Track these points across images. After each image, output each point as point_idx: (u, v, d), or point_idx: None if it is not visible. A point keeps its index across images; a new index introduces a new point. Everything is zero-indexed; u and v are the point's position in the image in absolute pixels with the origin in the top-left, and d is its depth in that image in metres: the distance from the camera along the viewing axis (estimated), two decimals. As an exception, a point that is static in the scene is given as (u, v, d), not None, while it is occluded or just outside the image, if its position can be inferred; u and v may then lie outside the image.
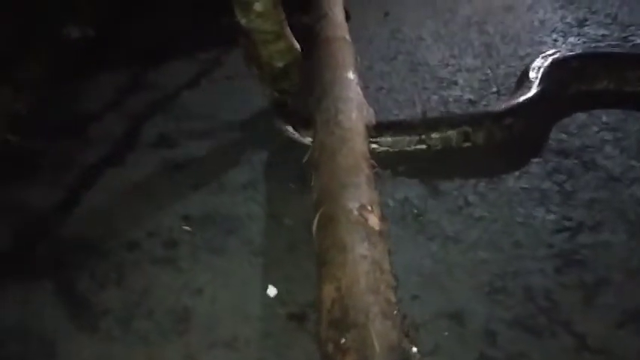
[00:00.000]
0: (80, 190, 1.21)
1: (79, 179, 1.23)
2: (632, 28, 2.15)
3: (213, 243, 1.06)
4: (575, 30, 2.15)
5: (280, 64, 1.41)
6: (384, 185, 1.18)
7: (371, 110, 1.29)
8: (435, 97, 1.63)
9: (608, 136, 1.37)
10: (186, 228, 1.10)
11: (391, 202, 1.15)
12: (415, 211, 1.13)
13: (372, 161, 1.12)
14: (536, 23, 2.26)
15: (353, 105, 1.26)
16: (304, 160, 1.19)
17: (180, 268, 1.00)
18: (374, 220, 0.89)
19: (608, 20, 2.26)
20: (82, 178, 1.23)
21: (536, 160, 1.29)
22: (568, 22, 2.24)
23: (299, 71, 1.43)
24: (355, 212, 0.89)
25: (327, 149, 1.10)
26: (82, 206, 1.16)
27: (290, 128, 1.39)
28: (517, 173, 1.25)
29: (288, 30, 1.48)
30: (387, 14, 2.42)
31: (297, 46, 1.50)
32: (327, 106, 1.24)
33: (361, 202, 0.91)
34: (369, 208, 0.91)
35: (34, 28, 1.97)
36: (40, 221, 1.13)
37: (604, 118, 1.45)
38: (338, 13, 1.89)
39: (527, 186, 1.20)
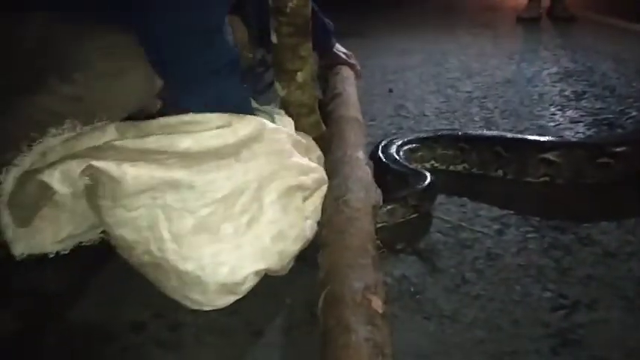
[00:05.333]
0: (90, 272, 1.25)
1: (88, 260, 1.28)
2: (630, 100, 2.22)
3: (216, 324, 1.09)
4: (573, 103, 2.23)
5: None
6: (384, 263, 1.21)
7: (379, 190, 1.34)
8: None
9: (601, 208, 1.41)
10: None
11: (390, 280, 1.18)
12: (412, 289, 1.15)
13: (379, 242, 1.15)
14: (535, 97, 2.35)
15: (362, 185, 1.31)
16: (308, 238, 1.23)
17: (184, 351, 1.03)
18: (377, 303, 0.91)
19: (606, 93, 2.34)
20: (91, 259, 1.28)
21: (532, 235, 1.32)
22: (566, 95, 2.33)
23: (323, 146, 1.50)
24: (360, 294, 0.91)
25: (335, 228, 1.14)
26: (91, 288, 1.20)
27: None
28: (515, 249, 1.27)
29: (317, 105, 1.59)
30: (391, 91, 2.54)
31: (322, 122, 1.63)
32: (337, 185, 1.29)
33: (366, 283, 0.94)
34: (374, 289, 0.93)
35: None
36: (49, 305, 1.17)
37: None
38: (352, 93, 2.00)
39: (524, 263, 1.22)
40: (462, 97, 2.38)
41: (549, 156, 1.53)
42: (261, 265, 1.12)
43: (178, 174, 1.08)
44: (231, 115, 1.18)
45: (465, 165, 1.66)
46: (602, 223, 1.34)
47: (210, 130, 1.17)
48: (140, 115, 1.39)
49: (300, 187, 1.20)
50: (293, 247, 1.18)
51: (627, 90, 2.32)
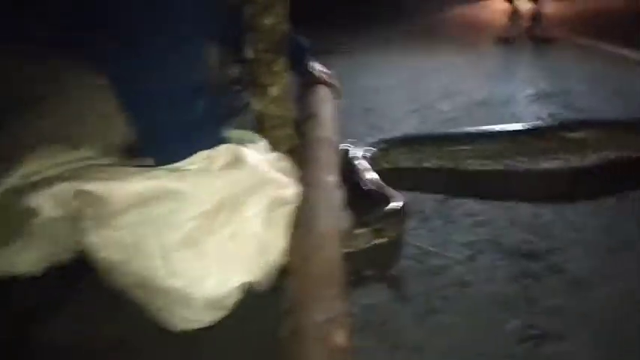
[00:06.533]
0: (67, 289, 1.21)
1: (66, 277, 1.23)
2: (603, 122, 2.22)
3: (175, 354, 1.06)
4: (547, 125, 2.22)
5: (283, 150, 1.50)
6: (351, 291, 1.19)
7: (349, 215, 1.32)
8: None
9: (572, 235, 1.40)
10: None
11: (356, 309, 1.16)
12: (380, 318, 1.13)
13: (346, 269, 1.13)
14: (508, 118, 2.36)
15: (330, 210, 1.29)
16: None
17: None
18: (341, 336, 0.89)
19: (581, 115, 2.35)
20: (69, 276, 1.23)
21: (503, 262, 1.31)
22: (540, 117, 2.34)
23: (295, 159, 1.48)
24: (323, 327, 0.89)
25: (301, 255, 1.12)
26: (68, 305, 1.17)
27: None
28: (484, 277, 1.26)
29: (291, 118, 1.66)
30: (368, 110, 2.53)
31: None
32: (305, 210, 1.27)
33: (330, 316, 0.92)
34: (338, 322, 0.91)
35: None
36: (22, 323, 1.13)
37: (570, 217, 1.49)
38: (327, 113, 1.98)
39: (493, 291, 1.21)
40: (439, 117, 2.38)
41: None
42: (246, 278, 1.13)
43: (167, 182, 1.09)
44: (207, 151, 1.19)
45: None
46: (572, 249, 1.34)
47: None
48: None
49: (280, 201, 1.21)
50: (276, 260, 1.18)
51: (602, 112, 2.34)
